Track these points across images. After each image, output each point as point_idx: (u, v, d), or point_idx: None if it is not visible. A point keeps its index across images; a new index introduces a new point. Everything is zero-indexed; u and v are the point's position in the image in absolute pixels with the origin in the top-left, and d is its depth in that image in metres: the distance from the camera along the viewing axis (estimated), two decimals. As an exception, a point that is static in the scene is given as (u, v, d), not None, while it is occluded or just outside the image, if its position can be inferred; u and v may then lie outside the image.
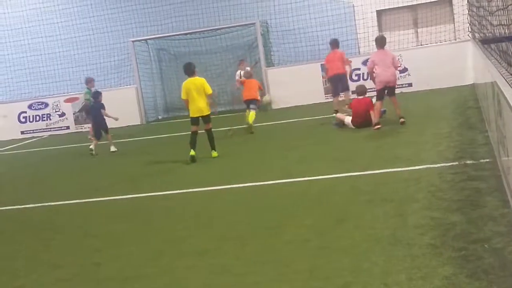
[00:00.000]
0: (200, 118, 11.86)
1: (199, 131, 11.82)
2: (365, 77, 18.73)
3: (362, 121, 12.93)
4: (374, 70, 13.01)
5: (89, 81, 16.74)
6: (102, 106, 15.06)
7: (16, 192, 11.62)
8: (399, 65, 13.53)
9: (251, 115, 14.75)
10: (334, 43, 15.77)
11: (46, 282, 6.15)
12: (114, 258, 6.60)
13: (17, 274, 6.49)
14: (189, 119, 11.94)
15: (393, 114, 13.02)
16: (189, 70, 12.06)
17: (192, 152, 11.66)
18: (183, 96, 11.93)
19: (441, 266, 4.98)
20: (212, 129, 12.02)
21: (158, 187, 10.10)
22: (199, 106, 11.77)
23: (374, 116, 12.70)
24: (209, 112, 11.98)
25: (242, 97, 15.62)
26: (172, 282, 5.63)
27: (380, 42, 13.26)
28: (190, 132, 11.80)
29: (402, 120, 12.54)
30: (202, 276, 5.65)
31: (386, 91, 12.78)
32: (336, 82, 15.43)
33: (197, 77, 12.05)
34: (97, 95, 15.20)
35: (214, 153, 11.91)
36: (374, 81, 13.11)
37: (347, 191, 8.07)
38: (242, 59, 20.40)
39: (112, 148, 14.93)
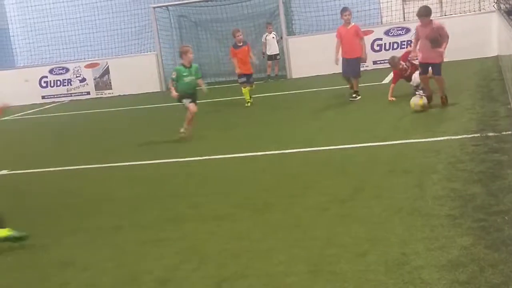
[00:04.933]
0: None
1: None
2: (387, 47, 18.58)
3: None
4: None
5: None
6: None
7: (37, 155, 11.74)
8: (444, 40, 10.98)
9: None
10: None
11: (67, 244, 6.24)
12: (133, 222, 6.67)
13: (39, 236, 6.57)
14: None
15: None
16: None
17: None
18: None
19: (460, 237, 4.97)
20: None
21: (179, 153, 10.13)
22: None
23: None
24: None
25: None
26: (191, 246, 5.68)
27: (419, 12, 11.13)
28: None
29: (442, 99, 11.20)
30: (220, 241, 5.69)
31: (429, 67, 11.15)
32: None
33: None
34: None
35: None
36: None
37: (367, 161, 8.04)
38: (269, 22, 20.31)
39: None
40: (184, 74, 11.14)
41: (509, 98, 10.17)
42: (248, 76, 14.63)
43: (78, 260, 5.68)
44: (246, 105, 14.47)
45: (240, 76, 14.67)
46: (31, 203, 8.17)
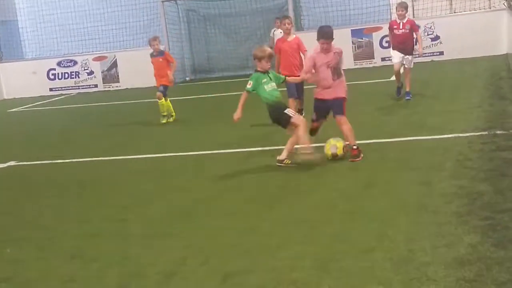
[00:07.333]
0: None
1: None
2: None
3: None
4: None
5: None
6: None
7: (44, 147, 11.78)
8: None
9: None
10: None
11: (75, 235, 6.26)
12: (141, 215, 6.69)
13: (46, 228, 6.62)
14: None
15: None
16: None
17: None
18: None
19: (467, 234, 4.96)
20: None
21: (187, 147, 10.15)
22: None
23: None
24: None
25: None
26: (199, 241, 5.68)
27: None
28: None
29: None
30: (229, 236, 5.70)
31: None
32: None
33: None
34: None
35: None
36: None
37: (376, 157, 8.02)
38: (278, 17, 20.24)
39: None
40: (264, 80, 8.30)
41: (518, 97, 10.14)
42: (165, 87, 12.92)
43: (85, 252, 5.70)
44: (162, 121, 12.86)
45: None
46: (38, 194, 8.19)
